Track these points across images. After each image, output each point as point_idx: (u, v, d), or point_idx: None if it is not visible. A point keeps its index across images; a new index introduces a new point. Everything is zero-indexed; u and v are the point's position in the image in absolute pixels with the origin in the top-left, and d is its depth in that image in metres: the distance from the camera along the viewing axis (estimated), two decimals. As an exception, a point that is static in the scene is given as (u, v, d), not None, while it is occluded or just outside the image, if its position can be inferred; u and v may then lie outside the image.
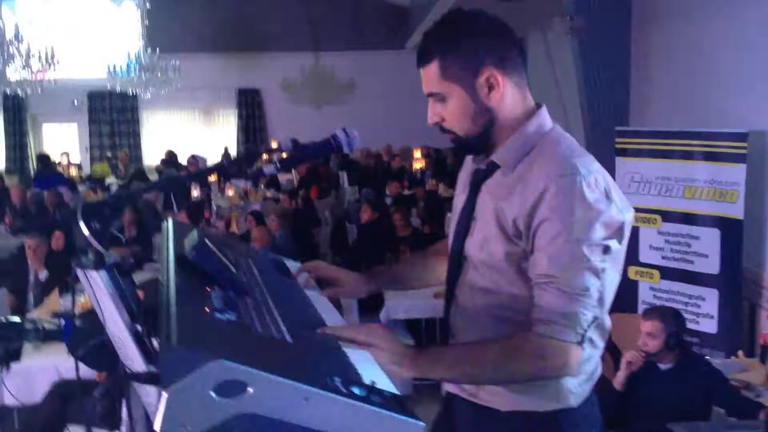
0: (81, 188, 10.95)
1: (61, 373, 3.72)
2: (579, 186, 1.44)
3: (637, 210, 1.87)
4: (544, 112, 1.61)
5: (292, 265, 1.86)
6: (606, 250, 1.45)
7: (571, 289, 1.43)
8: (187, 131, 14.52)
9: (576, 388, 1.59)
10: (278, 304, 1.44)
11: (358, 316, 5.02)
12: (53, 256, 5.52)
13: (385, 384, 1.25)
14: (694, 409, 3.25)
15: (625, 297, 4.70)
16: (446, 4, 7.71)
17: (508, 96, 1.56)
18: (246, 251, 1.76)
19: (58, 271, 5.27)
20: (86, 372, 1.49)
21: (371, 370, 1.31)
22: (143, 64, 11.75)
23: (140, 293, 1.30)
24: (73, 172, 12.51)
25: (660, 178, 4.76)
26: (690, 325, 4.13)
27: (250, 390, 1.05)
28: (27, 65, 10.31)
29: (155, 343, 1.23)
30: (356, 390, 1.16)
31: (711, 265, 4.49)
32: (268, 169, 1.57)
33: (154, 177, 12.27)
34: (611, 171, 2.49)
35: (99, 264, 1.24)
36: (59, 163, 12.79)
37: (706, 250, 4.51)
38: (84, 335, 1.42)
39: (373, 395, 1.17)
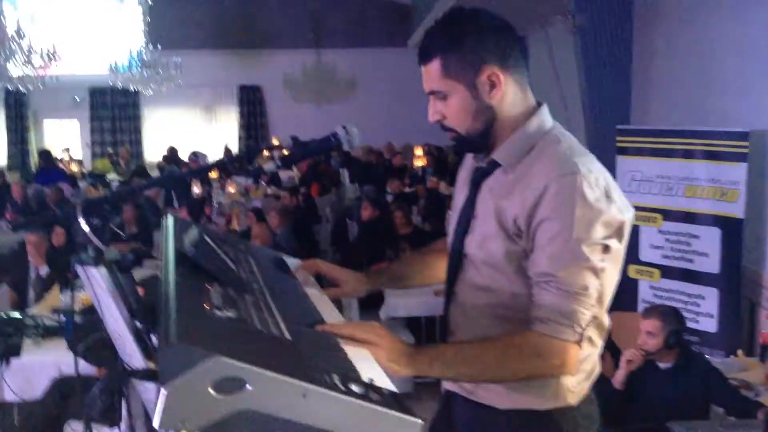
0: (82, 184, 10.93)
1: (61, 369, 3.72)
2: (579, 185, 1.44)
3: (638, 209, 1.87)
4: (545, 110, 1.61)
5: (292, 262, 1.85)
6: (606, 249, 1.46)
7: (570, 288, 1.43)
8: (188, 128, 14.48)
9: (575, 386, 1.60)
10: (277, 301, 1.44)
11: (358, 313, 5.03)
12: (54, 252, 5.51)
13: (383, 382, 1.25)
14: (693, 408, 3.25)
15: (625, 296, 4.70)
16: (448, 2, 7.69)
17: (509, 94, 1.56)
18: (246, 248, 1.76)
19: (59, 267, 5.26)
20: (86, 368, 1.49)
21: (370, 368, 1.31)
22: (145, 61, 11.73)
23: (140, 290, 1.30)
24: (75, 168, 12.48)
25: (661, 177, 4.76)
26: (690, 324, 4.13)
27: (249, 387, 1.05)
28: (29, 61, 10.29)
29: (154, 339, 1.24)
30: (355, 387, 1.16)
31: (711, 264, 4.50)
32: (269, 166, 1.57)
33: (155, 174, 12.27)
34: (612, 170, 2.49)
35: (98, 261, 1.24)
36: (60, 159, 12.78)
37: (707, 249, 4.51)
38: (84, 331, 1.42)
39: (371, 393, 1.17)
